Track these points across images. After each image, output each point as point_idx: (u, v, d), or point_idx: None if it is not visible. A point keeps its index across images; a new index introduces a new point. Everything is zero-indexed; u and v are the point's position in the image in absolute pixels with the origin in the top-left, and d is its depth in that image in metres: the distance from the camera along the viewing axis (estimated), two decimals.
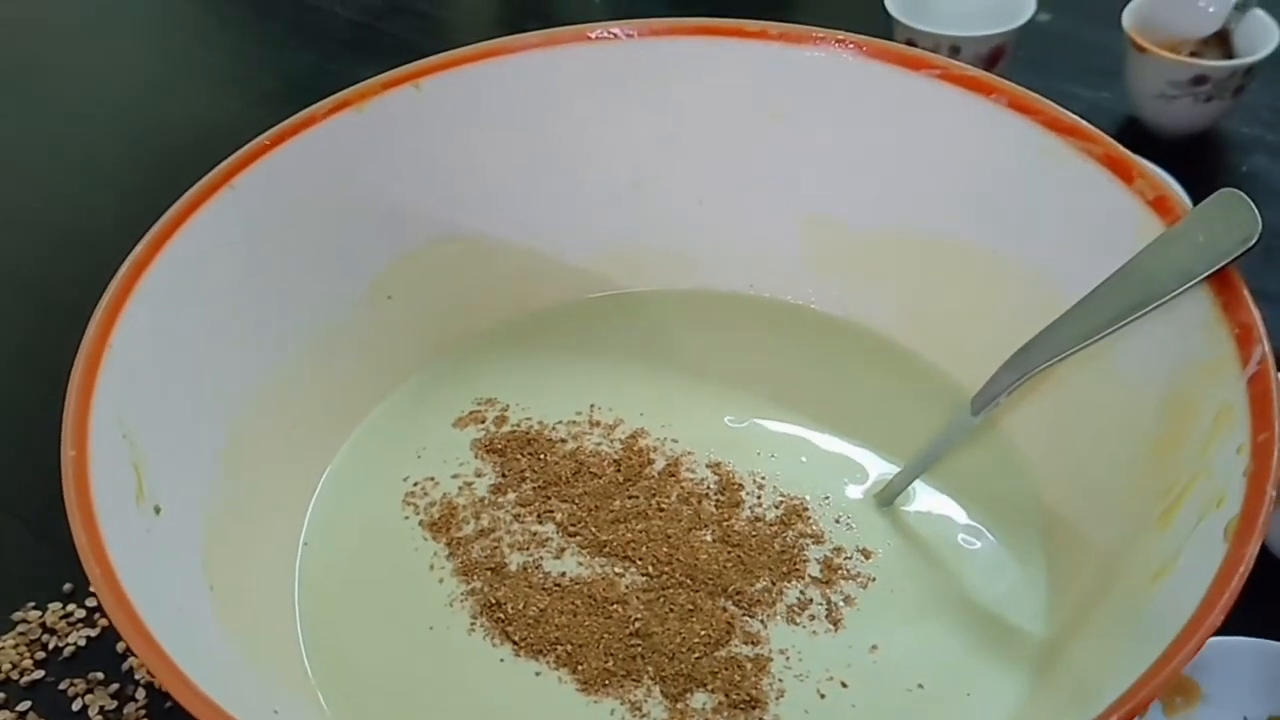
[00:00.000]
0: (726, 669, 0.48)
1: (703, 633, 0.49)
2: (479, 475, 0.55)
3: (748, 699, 0.47)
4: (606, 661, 0.48)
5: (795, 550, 0.52)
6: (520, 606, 0.50)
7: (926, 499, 0.54)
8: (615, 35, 0.57)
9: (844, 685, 0.48)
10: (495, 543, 0.53)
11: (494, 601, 0.50)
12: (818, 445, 0.56)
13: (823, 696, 0.48)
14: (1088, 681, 0.42)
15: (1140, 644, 0.39)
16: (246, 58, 0.92)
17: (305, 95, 0.55)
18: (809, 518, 0.53)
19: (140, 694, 0.53)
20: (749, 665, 0.48)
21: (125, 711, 0.52)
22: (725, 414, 0.57)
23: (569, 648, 0.49)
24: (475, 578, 0.51)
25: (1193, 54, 0.74)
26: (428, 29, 0.92)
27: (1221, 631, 0.39)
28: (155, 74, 0.91)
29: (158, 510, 0.45)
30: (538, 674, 0.49)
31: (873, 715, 0.47)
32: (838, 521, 0.53)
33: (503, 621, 0.50)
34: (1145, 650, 0.38)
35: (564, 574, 0.51)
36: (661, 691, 0.48)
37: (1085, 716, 0.37)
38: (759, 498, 0.54)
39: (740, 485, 0.54)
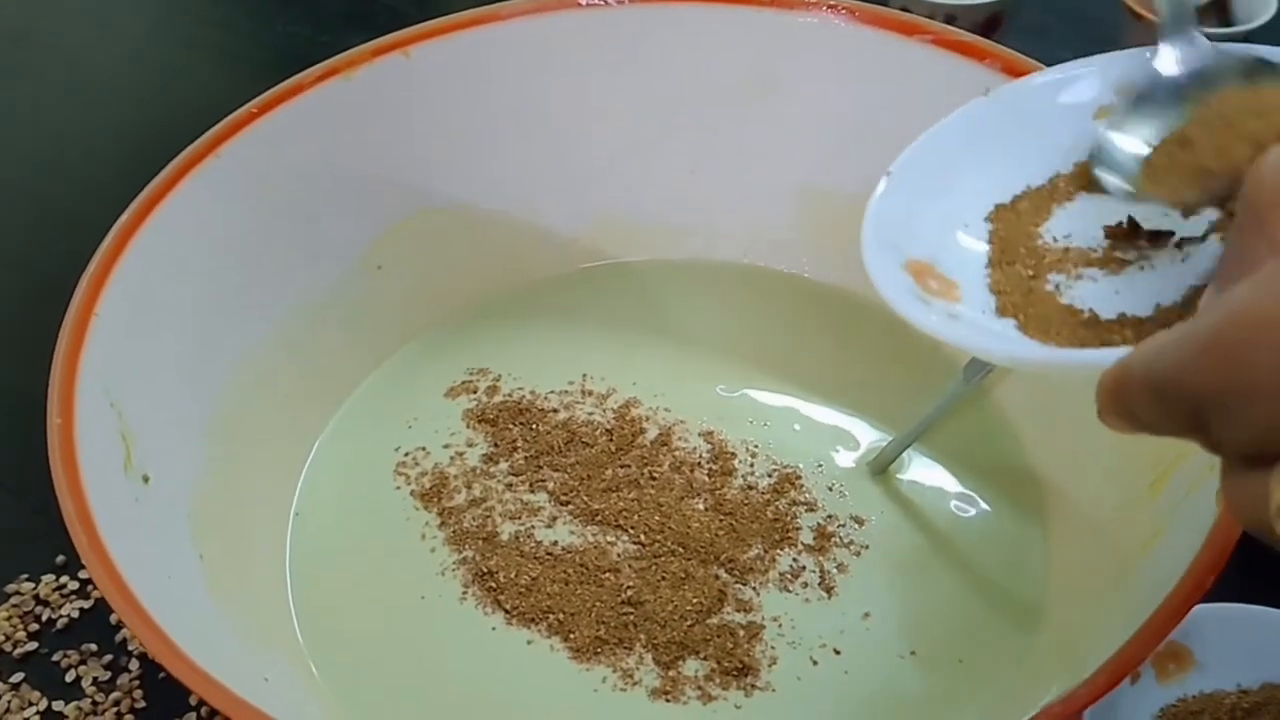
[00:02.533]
0: (719, 636, 0.48)
1: (695, 600, 0.49)
2: (470, 445, 0.55)
3: (740, 666, 0.47)
4: (598, 630, 0.48)
5: (788, 518, 0.52)
6: (512, 575, 0.50)
7: (919, 467, 0.54)
8: (606, 2, 0.57)
9: (836, 652, 0.48)
10: (487, 512, 0.53)
11: (485, 571, 0.50)
12: (810, 414, 0.56)
13: (815, 663, 0.48)
14: (1080, 647, 0.42)
15: (1132, 608, 0.39)
16: (238, 30, 0.91)
17: (297, 68, 0.55)
18: (802, 486, 0.53)
19: (134, 665, 0.53)
20: (741, 633, 0.48)
21: (119, 682, 0.52)
22: (718, 383, 0.57)
23: (560, 616, 0.49)
24: (467, 547, 0.51)
25: None
26: (422, 0, 0.91)
27: (1214, 599, 0.39)
28: (145, 47, 0.90)
29: (146, 479, 0.45)
30: (529, 642, 0.49)
31: (865, 682, 0.47)
32: (830, 489, 0.53)
33: (494, 590, 0.50)
34: (1137, 614, 0.38)
35: (556, 543, 0.51)
36: (654, 659, 0.48)
37: (1076, 680, 0.37)
38: (751, 466, 0.54)
39: (733, 454, 0.54)
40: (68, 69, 0.87)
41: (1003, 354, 0.35)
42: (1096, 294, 0.36)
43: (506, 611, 0.49)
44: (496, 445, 0.55)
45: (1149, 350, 0.26)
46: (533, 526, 0.52)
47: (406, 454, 0.55)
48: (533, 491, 0.53)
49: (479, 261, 0.60)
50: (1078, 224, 0.39)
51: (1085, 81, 0.41)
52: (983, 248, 0.38)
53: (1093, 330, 0.34)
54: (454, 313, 0.60)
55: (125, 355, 0.46)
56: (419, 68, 0.56)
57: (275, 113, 0.53)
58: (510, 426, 0.56)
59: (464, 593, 0.50)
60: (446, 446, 0.55)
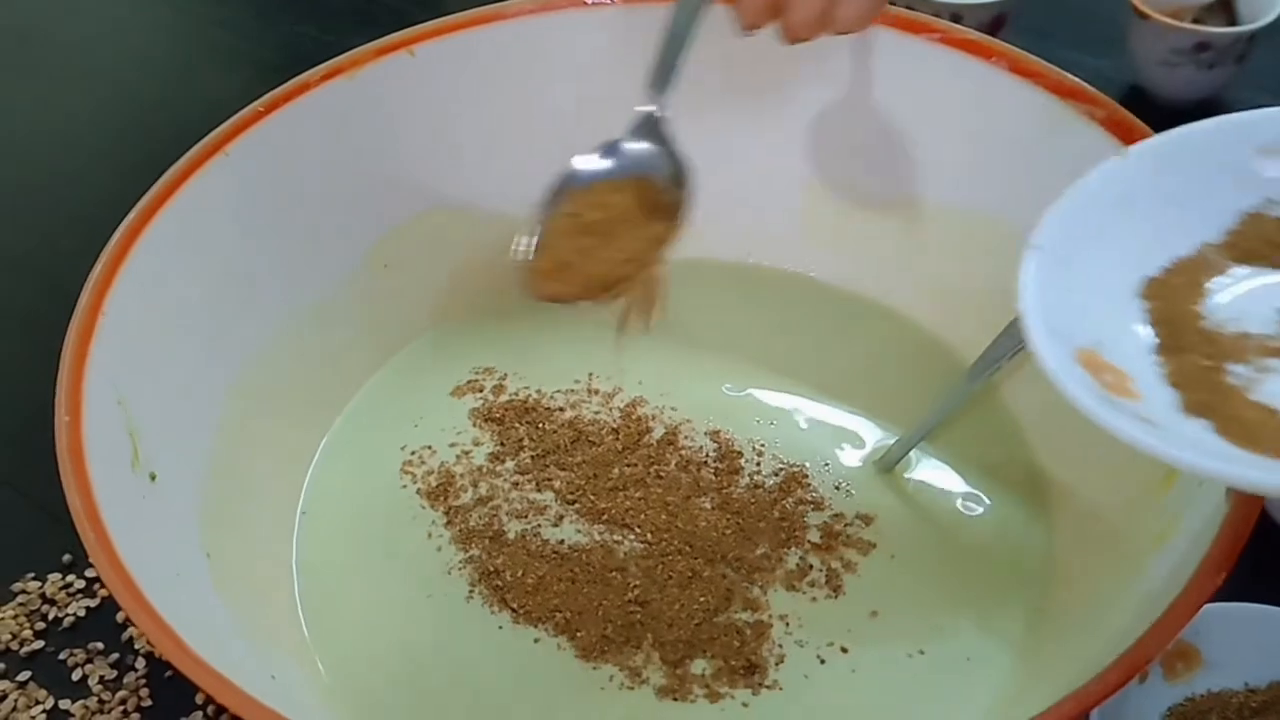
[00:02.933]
0: (726, 635, 0.48)
1: (702, 599, 0.49)
2: (477, 444, 0.55)
3: (747, 665, 0.47)
4: (605, 628, 0.48)
5: (795, 517, 0.51)
6: (519, 574, 0.50)
7: (926, 466, 0.54)
8: (611, 0, 0.57)
9: (844, 651, 0.48)
10: (493, 511, 0.52)
11: (492, 569, 0.50)
12: (816, 413, 0.56)
13: (823, 662, 0.48)
14: (1089, 646, 0.42)
15: (1142, 607, 0.39)
16: (242, 30, 0.91)
17: (302, 67, 0.55)
18: (808, 484, 0.53)
19: (140, 663, 0.53)
20: (749, 631, 0.48)
21: (125, 681, 0.52)
22: (724, 382, 0.57)
23: (567, 615, 0.49)
24: (473, 546, 0.51)
25: (1195, 20, 0.73)
26: (426, 1, 0.91)
27: (1223, 598, 0.38)
28: (150, 47, 0.90)
29: (153, 477, 0.45)
30: (536, 640, 0.49)
31: (873, 680, 0.47)
32: (837, 488, 0.53)
33: (501, 589, 0.50)
34: (1146, 613, 0.38)
35: (562, 542, 0.51)
36: (661, 658, 0.48)
37: (1085, 678, 0.37)
38: (758, 465, 0.54)
39: (739, 453, 0.54)
40: (74, 68, 0.87)
41: (1223, 475, 0.31)
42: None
43: (513, 610, 0.49)
44: (503, 444, 0.55)
45: None
46: (539, 525, 0.52)
47: (413, 453, 0.55)
48: (539, 490, 0.53)
49: (484, 260, 0.60)
50: (1245, 303, 0.36)
51: (1230, 138, 0.38)
52: (1145, 330, 0.35)
53: None
54: (460, 312, 0.60)
55: (132, 353, 0.46)
56: (424, 66, 0.56)
57: (281, 111, 0.53)
58: (516, 425, 0.56)
59: (470, 591, 0.50)
60: (453, 445, 0.55)
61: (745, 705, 0.47)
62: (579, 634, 0.48)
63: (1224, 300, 0.36)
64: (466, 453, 0.55)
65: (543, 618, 0.49)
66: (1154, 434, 0.32)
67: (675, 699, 0.47)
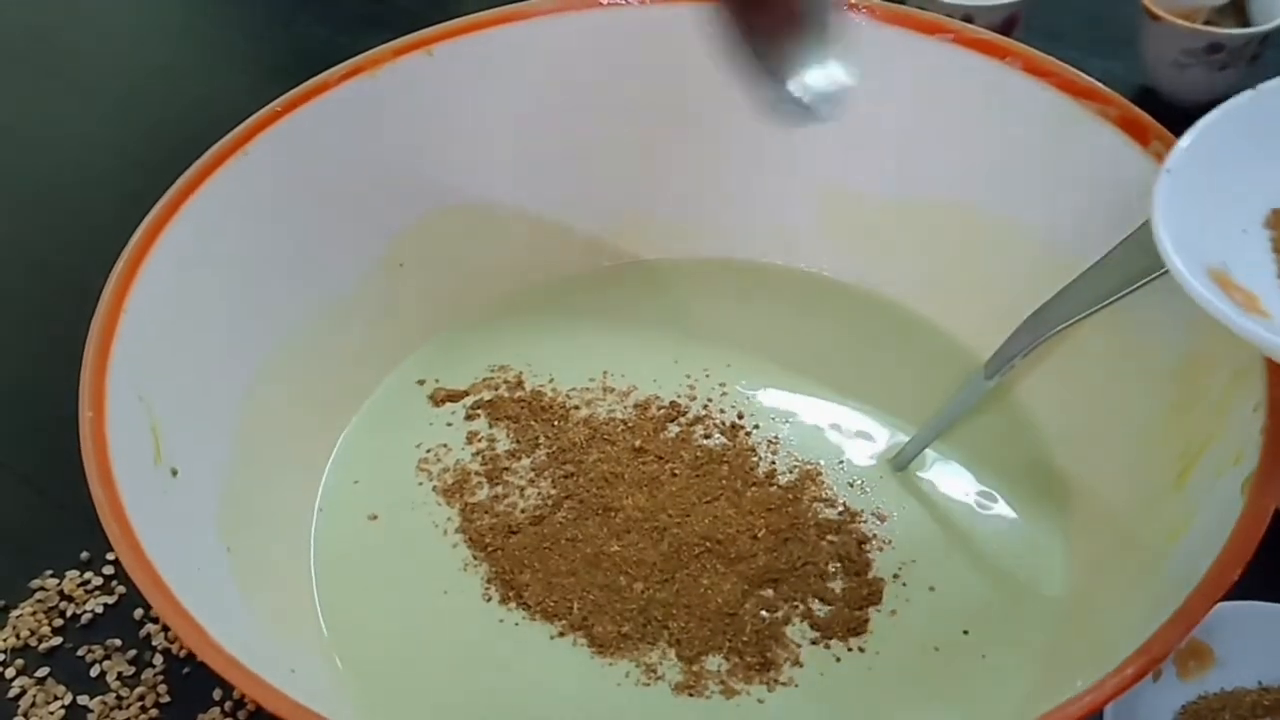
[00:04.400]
0: (742, 632, 0.48)
1: (718, 597, 0.49)
2: (492, 441, 0.56)
3: (763, 661, 0.47)
4: (621, 626, 0.48)
5: (810, 514, 0.52)
6: (535, 572, 0.50)
7: (940, 464, 0.54)
8: (627, 1, 0.57)
9: (860, 650, 0.48)
10: (509, 508, 0.53)
11: (507, 567, 0.51)
12: (831, 411, 0.56)
13: (838, 660, 0.48)
14: (1104, 642, 0.42)
15: (1158, 603, 0.39)
16: (255, 33, 0.91)
17: (315, 70, 0.55)
18: (823, 482, 0.53)
19: (158, 660, 0.53)
20: (764, 629, 0.48)
21: (143, 677, 0.52)
22: (738, 380, 0.57)
23: (583, 612, 0.49)
24: (489, 543, 0.52)
25: (1207, 22, 0.73)
26: (439, 2, 0.91)
27: (1236, 597, 0.39)
28: (165, 49, 0.90)
29: (175, 472, 0.45)
30: (552, 637, 0.49)
31: (889, 677, 0.47)
32: (852, 486, 0.53)
33: (516, 586, 0.50)
34: (1163, 608, 0.38)
35: (577, 539, 0.51)
36: (676, 654, 0.48)
37: (1101, 675, 0.37)
38: (773, 463, 0.54)
39: (754, 450, 0.54)
40: (87, 70, 0.87)
41: None
42: None
43: (529, 607, 0.49)
44: (518, 442, 0.55)
45: None
46: (555, 523, 0.52)
47: (429, 451, 0.55)
48: (555, 488, 0.53)
49: (501, 259, 0.61)
50: None
51: None
52: (1269, 257, 0.37)
53: None
54: (476, 310, 0.60)
55: (154, 350, 0.46)
56: (442, 66, 0.56)
57: (300, 111, 0.53)
58: (532, 423, 0.56)
59: (486, 588, 0.50)
60: (468, 444, 0.56)
61: (761, 702, 0.47)
62: (595, 630, 0.48)
63: None
64: (481, 450, 0.55)
65: (559, 615, 0.49)
66: None
67: (691, 695, 0.47)
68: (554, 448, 0.55)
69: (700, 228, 0.62)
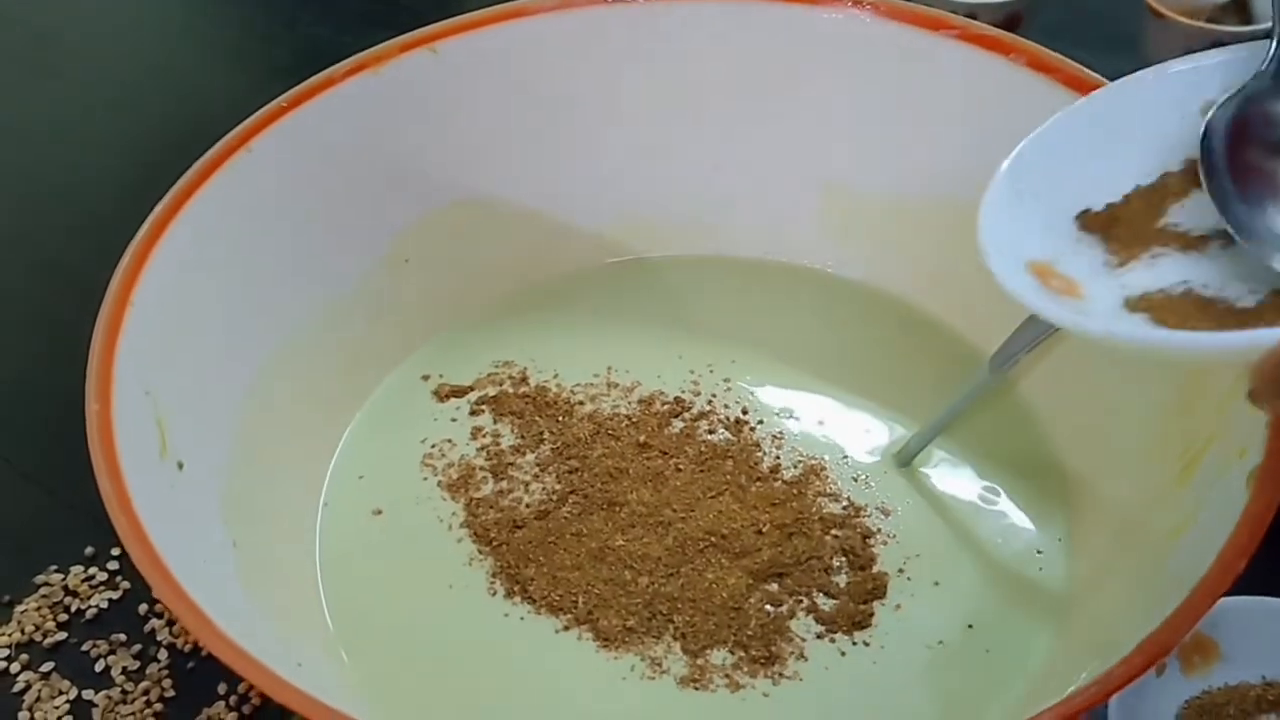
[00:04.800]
0: (746, 626, 0.48)
1: (722, 592, 0.49)
2: (497, 437, 0.56)
3: (768, 655, 0.47)
4: (627, 619, 0.49)
5: (814, 509, 0.52)
6: (540, 566, 0.50)
7: (944, 459, 0.54)
8: None
9: (865, 644, 0.48)
10: (514, 503, 0.53)
11: (512, 561, 0.51)
12: (834, 407, 0.56)
13: (843, 654, 0.48)
14: (1108, 637, 0.42)
15: (1162, 598, 0.39)
16: (258, 32, 0.92)
17: (319, 68, 0.55)
18: (827, 477, 0.53)
19: (163, 654, 0.53)
20: (769, 623, 0.48)
21: (148, 672, 0.52)
22: (742, 377, 0.57)
23: (588, 606, 0.49)
24: (494, 538, 0.52)
25: (1210, 20, 0.74)
26: (442, 1, 0.92)
27: (1240, 592, 0.39)
28: (165, 48, 0.90)
29: (181, 466, 0.45)
30: (556, 631, 0.49)
31: (894, 672, 0.47)
32: (856, 481, 0.53)
33: (521, 581, 0.50)
34: (1168, 603, 0.38)
35: (582, 533, 0.51)
36: (682, 648, 0.48)
37: (1106, 667, 0.37)
38: (777, 458, 0.54)
39: (758, 446, 0.54)
40: (89, 69, 0.88)
41: (1149, 341, 0.34)
42: (1225, 284, 0.36)
43: (534, 602, 0.49)
44: (523, 437, 0.55)
45: None
46: (560, 518, 0.52)
47: (433, 446, 0.56)
48: (559, 482, 0.53)
49: (505, 256, 0.61)
50: (1190, 219, 0.38)
51: (1189, 75, 0.41)
52: (1099, 248, 0.38)
53: (1236, 317, 0.34)
54: (480, 306, 0.61)
55: (159, 344, 0.47)
56: (446, 63, 0.56)
57: (305, 107, 0.53)
58: (536, 419, 0.56)
59: (491, 583, 0.50)
60: (473, 439, 0.56)
61: (766, 695, 0.47)
62: (600, 624, 0.48)
63: (1179, 220, 0.39)
64: (486, 446, 0.55)
65: (564, 609, 0.49)
66: (1086, 320, 0.35)
67: (696, 688, 0.47)
68: (559, 443, 0.55)
69: (704, 225, 0.62)
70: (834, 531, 0.51)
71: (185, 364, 0.48)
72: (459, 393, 0.57)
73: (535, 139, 0.59)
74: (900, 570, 0.50)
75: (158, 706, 0.51)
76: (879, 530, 0.51)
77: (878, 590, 0.49)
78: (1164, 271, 0.37)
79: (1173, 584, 0.39)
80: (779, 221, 0.62)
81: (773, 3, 0.57)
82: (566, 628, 0.49)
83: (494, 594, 0.50)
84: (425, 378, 0.58)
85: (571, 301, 0.61)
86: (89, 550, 0.57)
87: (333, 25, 0.89)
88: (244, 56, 0.89)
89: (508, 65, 0.57)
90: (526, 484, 0.53)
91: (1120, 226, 0.39)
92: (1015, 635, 0.48)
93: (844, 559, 0.50)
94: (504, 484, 0.54)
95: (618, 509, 0.52)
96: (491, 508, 0.53)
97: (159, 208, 0.48)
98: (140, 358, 0.45)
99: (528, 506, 0.53)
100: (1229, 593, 0.38)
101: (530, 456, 0.55)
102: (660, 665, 0.48)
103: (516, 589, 0.50)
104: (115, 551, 0.56)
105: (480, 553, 0.51)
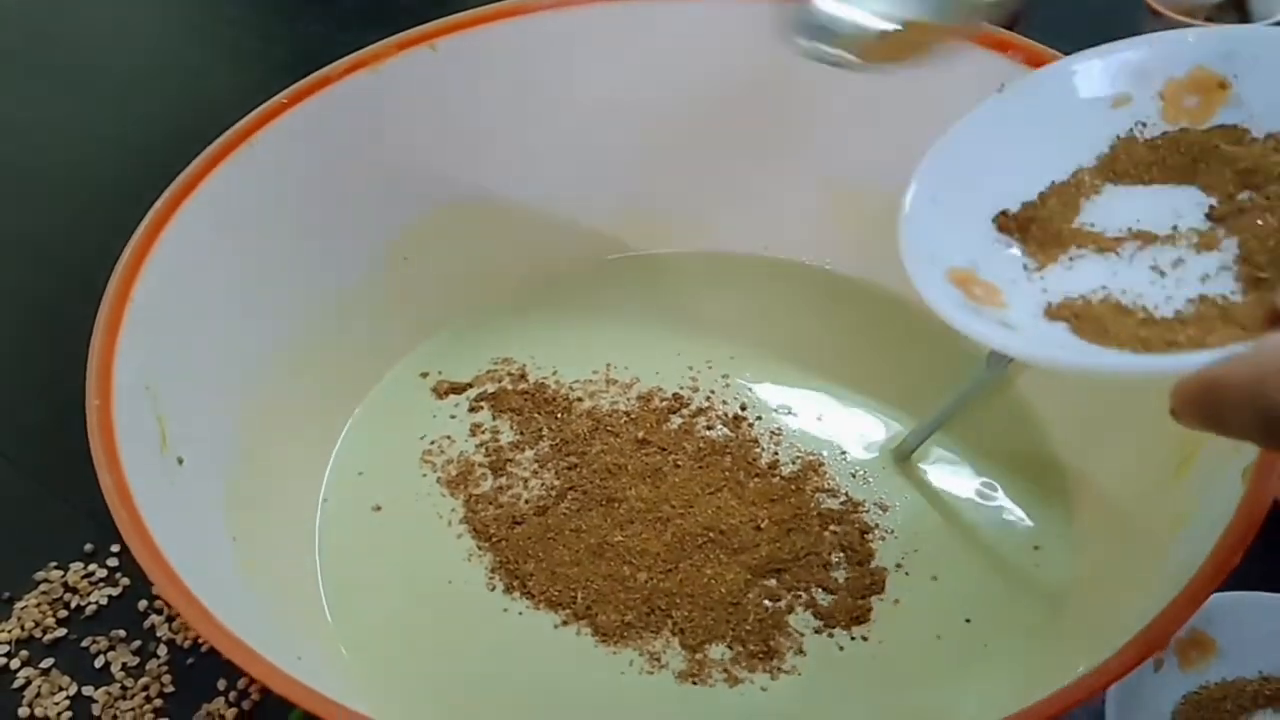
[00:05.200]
0: (745, 620, 0.48)
1: (721, 587, 0.49)
2: (496, 434, 0.56)
3: (767, 650, 0.48)
4: (625, 615, 0.49)
5: (812, 505, 0.52)
6: (538, 561, 0.50)
7: (942, 455, 0.54)
8: None
9: (864, 639, 0.48)
10: (513, 499, 0.53)
11: (512, 557, 0.51)
12: (834, 403, 0.56)
13: (841, 649, 0.48)
14: (1105, 630, 0.42)
15: (1159, 590, 0.39)
16: (257, 30, 0.92)
17: (317, 67, 0.55)
18: (825, 473, 0.53)
19: (162, 650, 0.53)
20: (768, 617, 0.49)
21: (147, 667, 0.52)
22: (741, 373, 0.58)
23: (587, 602, 0.49)
24: (494, 534, 0.52)
25: (1208, 19, 0.74)
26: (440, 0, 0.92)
27: (1237, 587, 0.39)
28: (165, 47, 0.91)
29: (181, 461, 0.46)
30: (555, 626, 0.49)
31: (892, 665, 0.48)
32: (854, 476, 0.53)
33: (520, 576, 0.50)
34: (1164, 596, 0.38)
35: (581, 529, 0.51)
36: (680, 643, 0.48)
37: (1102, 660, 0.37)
38: (776, 454, 0.54)
39: (756, 442, 0.54)
40: (90, 68, 0.88)
41: (1073, 364, 0.34)
42: (1143, 290, 0.36)
43: (533, 597, 0.50)
44: (522, 434, 0.55)
45: (1253, 370, 0.27)
46: (559, 514, 0.52)
47: (432, 442, 0.56)
48: (558, 479, 0.53)
49: (504, 253, 0.61)
50: (1105, 217, 0.38)
51: (1098, 70, 0.41)
52: (1017, 250, 0.38)
53: (1153, 331, 0.34)
54: (479, 304, 0.61)
55: (159, 341, 0.47)
56: (445, 61, 0.56)
57: (304, 104, 0.53)
58: (535, 415, 0.56)
59: (490, 578, 0.51)
60: (472, 435, 0.56)
61: (764, 690, 0.47)
62: (599, 619, 0.49)
63: (1088, 217, 0.39)
64: (485, 442, 0.55)
65: (563, 604, 0.49)
66: (1010, 336, 0.35)
67: (695, 683, 0.47)
68: (557, 439, 0.55)
69: (703, 221, 0.62)
70: (832, 527, 0.51)
71: (185, 360, 0.48)
72: (458, 389, 0.58)
73: (535, 136, 0.59)
74: (899, 565, 0.50)
75: (157, 702, 0.51)
76: (877, 525, 0.51)
77: (875, 585, 0.50)
78: (1083, 276, 0.37)
79: (1170, 577, 0.40)
80: (777, 218, 0.62)
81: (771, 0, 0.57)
82: (565, 623, 0.49)
83: (493, 589, 0.50)
84: (424, 375, 0.58)
85: (571, 298, 0.61)
86: (89, 547, 0.57)
87: (333, 24, 0.89)
88: (244, 55, 0.89)
89: (506, 63, 0.57)
90: (525, 480, 0.54)
91: (1037, 227, 0.38)
92: (1013, 630, 0.48)
93: (842, 554, 0.51)
94: (503, 480, 0.54)
95: (616, 505, 0.52)
96: (490, 504, 0.53)
97: (157, 205, 0.49)
98: (140, 354, 0.45)
99: (526, 502, 0.53)
100: (1225, 588, 0.38)
101: (529, 453, 0.55)
102: (659, 660, 0.48)
103: (516, 584, 0.50)
104: (115, 548, 0.57)
105: (479, 548, 0.52)
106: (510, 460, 0.54)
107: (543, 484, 0.53)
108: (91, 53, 0.89)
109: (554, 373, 0.58)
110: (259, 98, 0.54)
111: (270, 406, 0.52)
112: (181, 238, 0.49)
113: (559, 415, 0.56)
